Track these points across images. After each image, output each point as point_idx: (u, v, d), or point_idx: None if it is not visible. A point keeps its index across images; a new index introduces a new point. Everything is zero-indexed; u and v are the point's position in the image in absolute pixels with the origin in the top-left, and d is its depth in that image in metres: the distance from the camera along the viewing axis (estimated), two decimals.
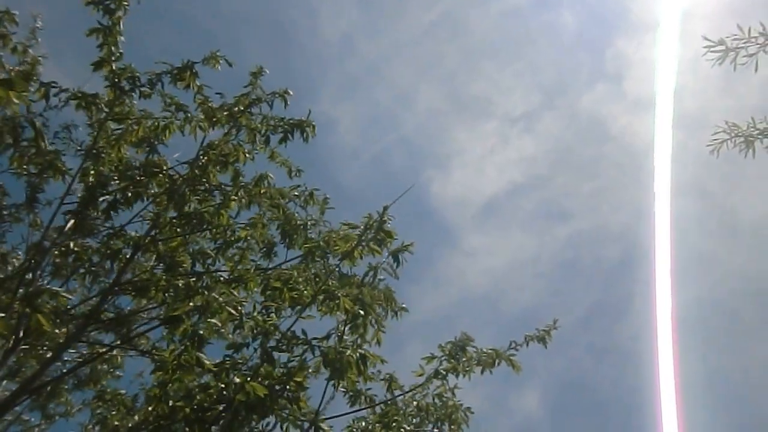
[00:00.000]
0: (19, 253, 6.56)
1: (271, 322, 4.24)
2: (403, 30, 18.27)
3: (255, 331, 4.35)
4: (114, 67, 5.12)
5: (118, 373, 6.84)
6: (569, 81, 18.81)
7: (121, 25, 5.08)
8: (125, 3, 5.11)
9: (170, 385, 4.19)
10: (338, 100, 17.64)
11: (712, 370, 12.94)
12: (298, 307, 4.49)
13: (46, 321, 3.06)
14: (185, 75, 5.31)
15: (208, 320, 4.08)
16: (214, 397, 4.31)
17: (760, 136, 5.14)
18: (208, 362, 4.17)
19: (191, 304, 5.02)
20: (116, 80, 5.08)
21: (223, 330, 5.13)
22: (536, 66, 18.72)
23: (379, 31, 18.20)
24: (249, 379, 4.11)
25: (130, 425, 5.82)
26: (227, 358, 4.28)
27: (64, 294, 3.17)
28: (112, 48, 5.06)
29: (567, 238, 18.35)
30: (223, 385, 4.23)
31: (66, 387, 6.82)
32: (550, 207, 18.70)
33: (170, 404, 4.26)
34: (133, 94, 5.21)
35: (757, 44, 4.89)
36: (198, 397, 4.29)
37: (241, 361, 4.29)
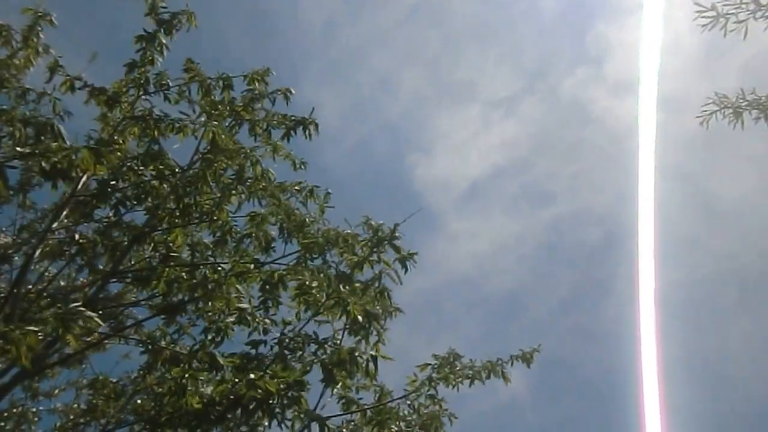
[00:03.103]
0: (8, 233, 6.50)
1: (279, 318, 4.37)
2: (384, 15, 18.27)
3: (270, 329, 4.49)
4: (145, 70, 5.18)
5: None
6: (551, 64, 19.15)
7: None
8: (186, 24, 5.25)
9: (185, 380, 4.28)
10: (320, 85, 17.58)
11: (693, 349, 13.53)
12: (312, 311, 4.63)
13: (74, 341, 3.32)
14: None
15: (229, 318, 4.19)
16: (224, 393, 4.43)
17: (748, 108, 5.22)
18: (222, 361, 4.29)
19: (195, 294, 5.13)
20: (143, 83, 5.08)
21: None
22: (518, 50, 18.99)
23: (361, 16, 18.17)
24: (261, 376, 4.25)
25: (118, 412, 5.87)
26: (247, 355, 4.40)
27: (96, 319, 3.35)
28: (155, 57, 5.18)
29: (549, 220, 18.75)
30: (235, 381, 4.35)
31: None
32: (533, 190, 19.00)
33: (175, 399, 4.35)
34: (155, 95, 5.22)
35: (748, 11, 4.92)
36: (208, 393, 4.40)
37: (260, 359, 4.41)
